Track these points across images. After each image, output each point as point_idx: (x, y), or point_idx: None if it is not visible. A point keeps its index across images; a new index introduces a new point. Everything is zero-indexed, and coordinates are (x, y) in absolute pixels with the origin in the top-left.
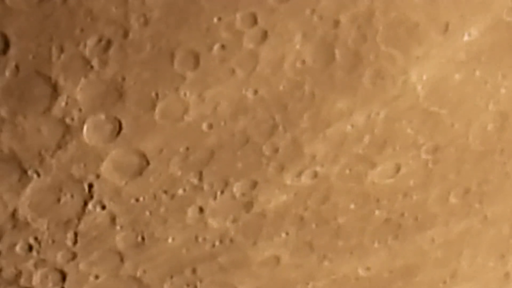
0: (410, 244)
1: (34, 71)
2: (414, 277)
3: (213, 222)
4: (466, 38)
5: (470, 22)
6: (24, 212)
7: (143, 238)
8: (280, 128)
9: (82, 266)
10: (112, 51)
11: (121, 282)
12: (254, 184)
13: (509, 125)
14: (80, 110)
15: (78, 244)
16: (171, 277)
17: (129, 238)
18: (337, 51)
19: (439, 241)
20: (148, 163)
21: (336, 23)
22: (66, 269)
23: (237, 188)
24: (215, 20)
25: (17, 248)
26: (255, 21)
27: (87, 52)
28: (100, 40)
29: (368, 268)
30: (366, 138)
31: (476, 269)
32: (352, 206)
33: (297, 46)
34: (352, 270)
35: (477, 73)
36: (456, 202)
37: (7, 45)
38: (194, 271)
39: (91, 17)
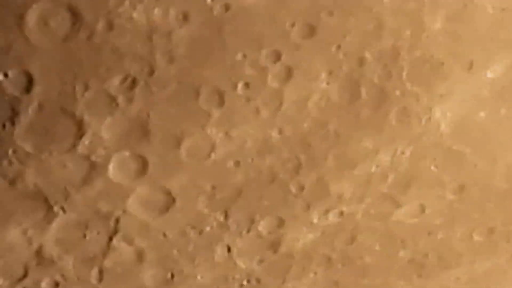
0: (435, 283)
1: (59, 109)
2: None
3: (240, 262)
4: (489, 75)
5: (493, 60)
6: (49, 249)
7: (172, 276)
8: (305, 167)
9: None
10: (137, 88)
11: None
12: (281, 222)
13: None
14: (105, 147)
15: (104, 281)
16: None
17: (157, 275)
18: (363, 89)
19: (465, 279)
20: (174, 200)
21: (362, 60)
22: None
23: (263, 226)
24: (240, 56)
25: (43, 285)
26: (279, 58)
27: (112, 90)
28: (125, 78)
29: None
30: (391, 178)
31: None
32: (377, 246)
33: (323, 84)
34: None
35: (502, 110)
36: (481, 241)
37: (31, 83)
38: None
39: (117, 55)
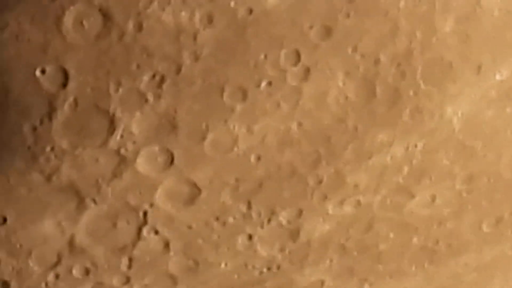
0: (445, 269)
1: (93, 105)
2: None
3: (261, 250)
4: (497, 77)
5: (501, 63)
6: (81, 238)
7: (196, 263)
8: (324, 159)
9: None
10: (165, 85)
11: None
12: (300, 213)
13: None
14: (134, 142)
15: (133, 269)
16: None
17: (182, 263)
18: (378, 88)
19: (473, 266)
20: (199, 192)
21: (377, 61)
22: None
23: (283, 216)
24: (262, 56)
25: (74, 271)
26: (298, 58)
27: (142, 87)
28: (154, 76)
29: None
30: (405, 169)
31: None
32: (391, 234)
33: (340, 83)
34: None
35: (508, 109)
36: (489, 230)
37: (67, 79)
38: None
39: (146, 54)
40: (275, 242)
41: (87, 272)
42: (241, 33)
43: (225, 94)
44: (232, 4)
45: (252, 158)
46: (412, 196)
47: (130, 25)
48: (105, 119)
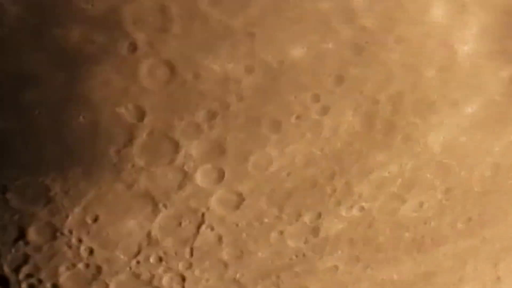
0: (429, 257)
1: (163, 133)
2: (432, 280)
3: (290, 242)
4: (469, 111)
5: (472, 100)
6: (155, 233)
7: (241, 252)
8: (338, 174)
9: (197, 272)
10: (217, 119)
11: (225, 284)
12: (319, 215)
13: (501, 172)
14: (194, 161)
15: (194, 256)
16: (262, 280)
17: (232, 252)
18: (377, 121)
19: (450, 254)
20: (243, 199)
21: (377, 100)
22: (185, 274)
23: (307, 218)
24: (292, 97)
25: (151, 259)
26: (318, 99)
27: (199, 120)
28: (208, 112)
29: (399, 273)
30: (398, 182)
31: (476, 274)
32: (388, 230)
33: (349, 118)
34: (388, 275)
35: (477, 136)
36: (462, 227)
37: (143, 114)
38: (277, 276)
39: (202, 95)
40: (300, 237)
41: (160, 259)
42: (275, 80)
43: (263, 126)
44: (268, 58)
45: (284, 174)
46: (404, 202)
47: (190, 74)
48: (171, 144)
